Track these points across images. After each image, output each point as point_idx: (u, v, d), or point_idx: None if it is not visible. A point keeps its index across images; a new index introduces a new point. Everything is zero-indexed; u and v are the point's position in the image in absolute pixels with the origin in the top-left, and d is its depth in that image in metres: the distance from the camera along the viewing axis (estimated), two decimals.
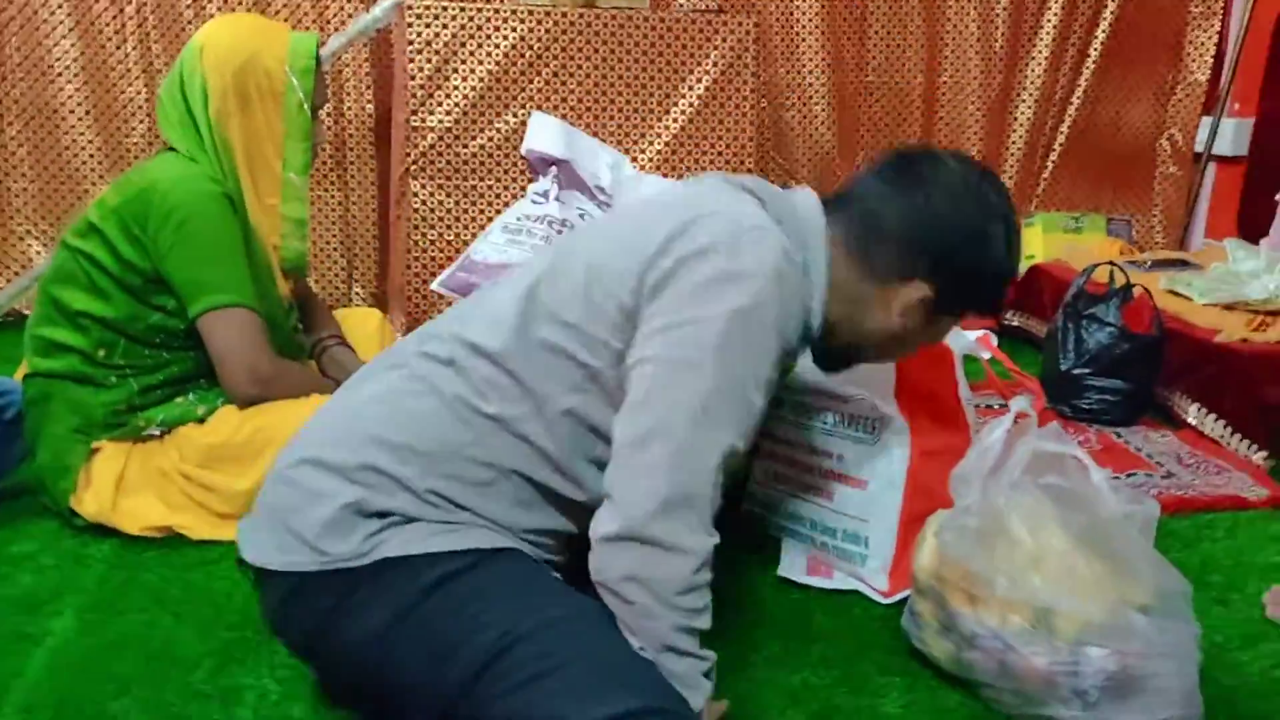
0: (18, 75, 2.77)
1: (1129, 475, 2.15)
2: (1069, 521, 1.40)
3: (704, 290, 1.13)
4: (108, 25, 2.79)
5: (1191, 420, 2.38)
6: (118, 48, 2.80)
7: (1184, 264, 3.02)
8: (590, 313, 1.17)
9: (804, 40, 3.14)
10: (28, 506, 1.84)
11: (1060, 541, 1.39)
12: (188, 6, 2.81)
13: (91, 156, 2.85)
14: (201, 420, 1.74)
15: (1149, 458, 2.25)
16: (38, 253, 2.84)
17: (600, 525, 1.12)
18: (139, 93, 2.81)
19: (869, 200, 1.31)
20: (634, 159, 2.67)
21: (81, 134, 2.83)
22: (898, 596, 1.66)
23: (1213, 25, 3.34)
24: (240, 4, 2.83)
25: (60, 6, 2.76)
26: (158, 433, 1.75)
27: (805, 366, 1.84)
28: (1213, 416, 2.32)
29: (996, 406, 2.29)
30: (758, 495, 1.93)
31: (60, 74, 2.79)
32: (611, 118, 2.66)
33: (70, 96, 2.80)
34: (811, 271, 1.26)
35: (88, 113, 2.82)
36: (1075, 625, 1.35)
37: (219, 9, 2.82)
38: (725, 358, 1.12)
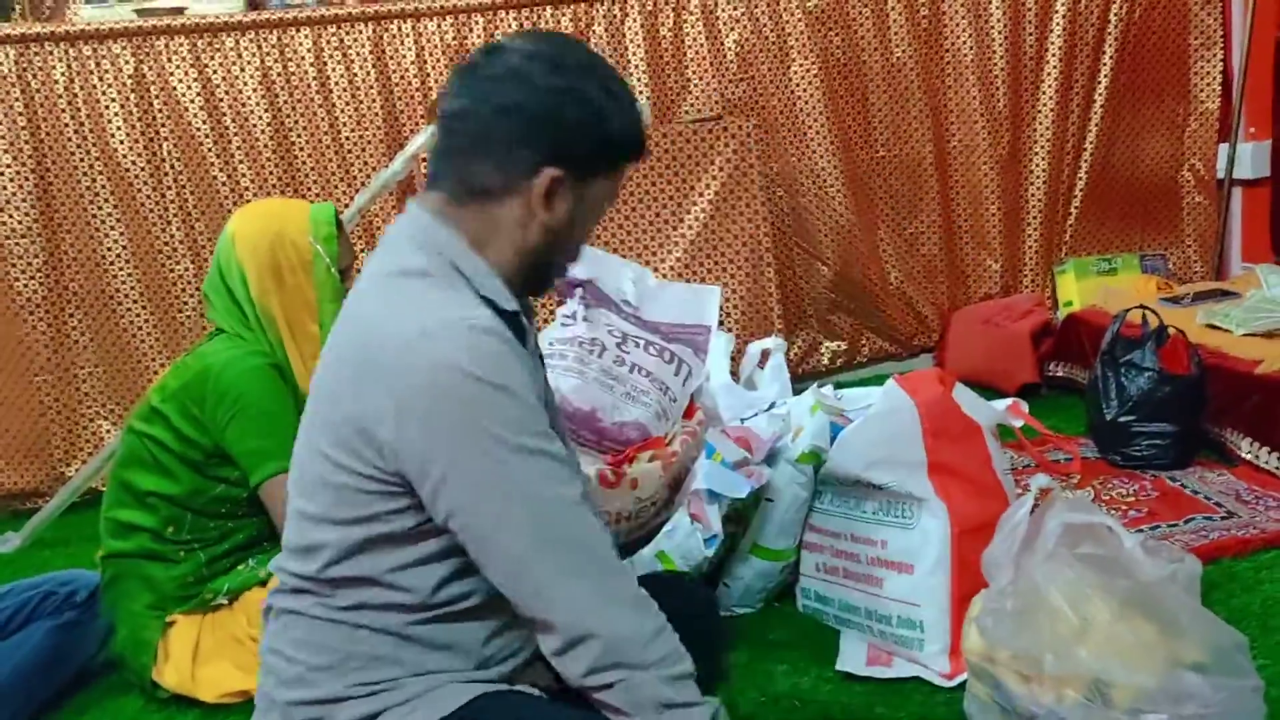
0: (75, 268, 2.95)
1: (1187, 521, 2.13)
2: (1111, 588, 1.41)
3: (435, 433, 1.09)
4: (152, 211, 2.96)
5: (1246, 455, 2.35)
6: (163, 231, 2.98)
7: (1223, 294, 3.00)
8: (344, 499, 1.16)
9: (810, 128, 3.23)
10: (114, 684, 1.93)
11: (1104, 610, 1.39)
12: (223, 184, 2.99)
13: (149, 335, 3.00)
14: (264, 583, 1.82)
15: (1207, 499, 2.23)
16: (108, 432, 2.98)
17: (544, 646, 1.15)
18: (187, 269, 2.98)
19: (450, 139, 1.20)
20: (655, 269, 2.75)
21: (138, 315, 3.00)
22: (960, 678, 1.65)
23: (1215, 54, 3.37)
24: (271, 174, 3.00)
25: (108, 200, 2.94)
26: (226, 601, 1.83)
27: (840, 458, 1.87)
28: (1266, 449, 2.29)
29: (1055, 462, 2.28)
30: (811, 589, 1.95)
31: (113, 261, 2.97)
32: (629, 233, 2.75)
33: (124, 282, 2.97)
34: (473, 274, 1.18)
35: (141, 294, 2.99)
36: (1129, 693, 1.35)
37: (252, 182, 2.99)
38: (500, 466, 1.10)
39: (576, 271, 2.61)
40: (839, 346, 3.39)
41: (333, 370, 1.19)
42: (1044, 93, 3.34)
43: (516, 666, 1.24)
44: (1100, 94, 3.37)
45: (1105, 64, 3.34)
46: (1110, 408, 2.47)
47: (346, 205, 2.86)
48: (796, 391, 2.22)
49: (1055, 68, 3.31)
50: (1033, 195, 3.41)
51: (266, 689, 1.24)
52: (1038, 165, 3.38)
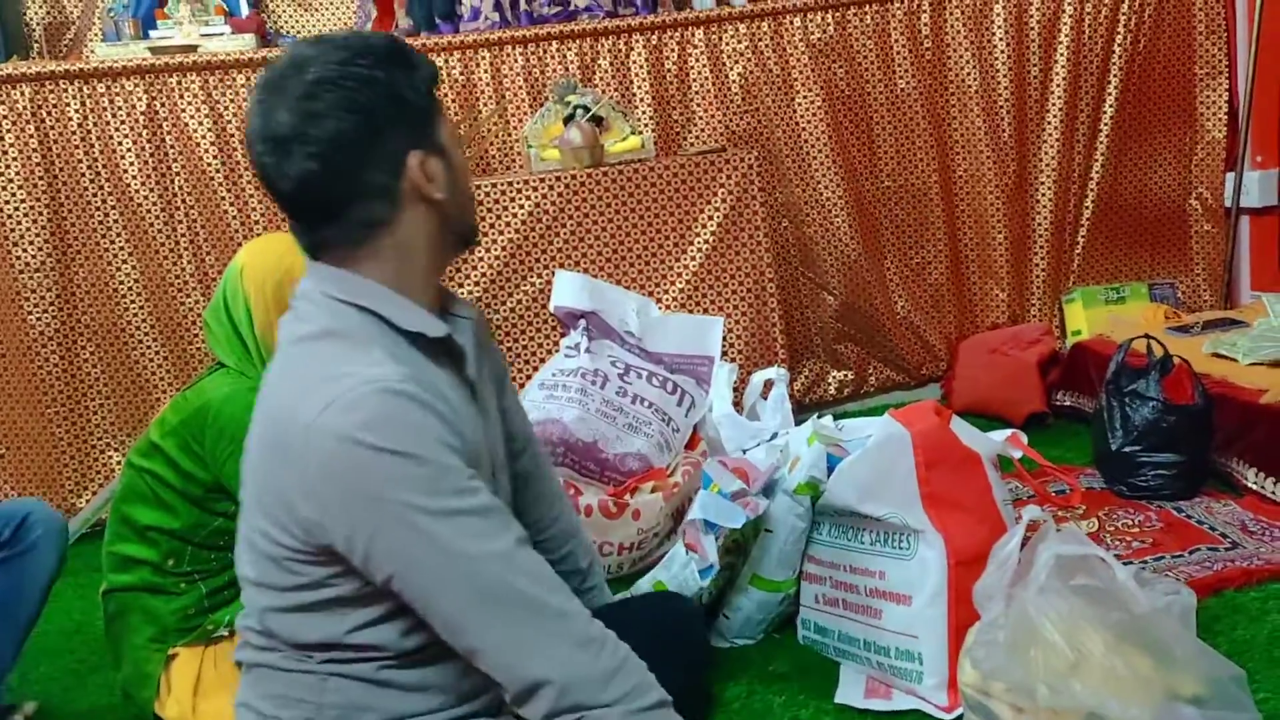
0: (87, 301, 2.99)
1: (1192, 551, 2.12)
2: (1105, 621, 1.40)
3: (351, 508, 1.09)
4: (163, 245, 3.00)
5: (1252, 485, 2.33)
6: (174, 264, 3.01)
7: (1232, 323, 2.98)
8: (286, 569, 1.16)
9: (814, 158, 3.24)
10: (118, 717, 1.93)
11: (1098, 642, 1.39)
12: (234, 218, 3.03)
13: (160, 367, 3.04)
14: None
15: (1212, 530, 2.21)
16: (118, 464, 3.00)
17: (505, 695, 1.15)
18: (198, 302, 3.01)
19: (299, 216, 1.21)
20: (659, 300, 2.77)
21: (149, 348, 3.03)
22: (959, 711, 1.64)
23: (1220, 83, 3.37)
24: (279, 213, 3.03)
25: (120, 234, 2.98)
26: (227, 633, 1.83)
27: (836, 490, 1.87)
28: (1272, 479, 2.27)
29: (1054, 493, 2.26)
30: (810, 621, 1.95)
31: (125, 295, 3.00)
32: (632, 264, 2.76)
33: (135, 314, 3.01)
34: (390, 314, 1.19)
35: (153, 327, 3.02)
36: None
37: (262, 215, 3.03)
38: (421, 534, 1.09)
39: (581, 304, 2.64)
40: (846, 376, 3.39)
41: (256, 446, 1.20)
42: (1049, 122, 3.35)
43: (502, 698, 1.23)
44: (1106, 123, 3.37)
45: (1110, 93, 3.35)
46: (1115, 438, 2.46)
47: None
48: (801, 422, 2.22)
49: (1060, 97, 3.32)
50: (1039, 224, 3.41)
51: None
52: (1044, 194, 3.38)
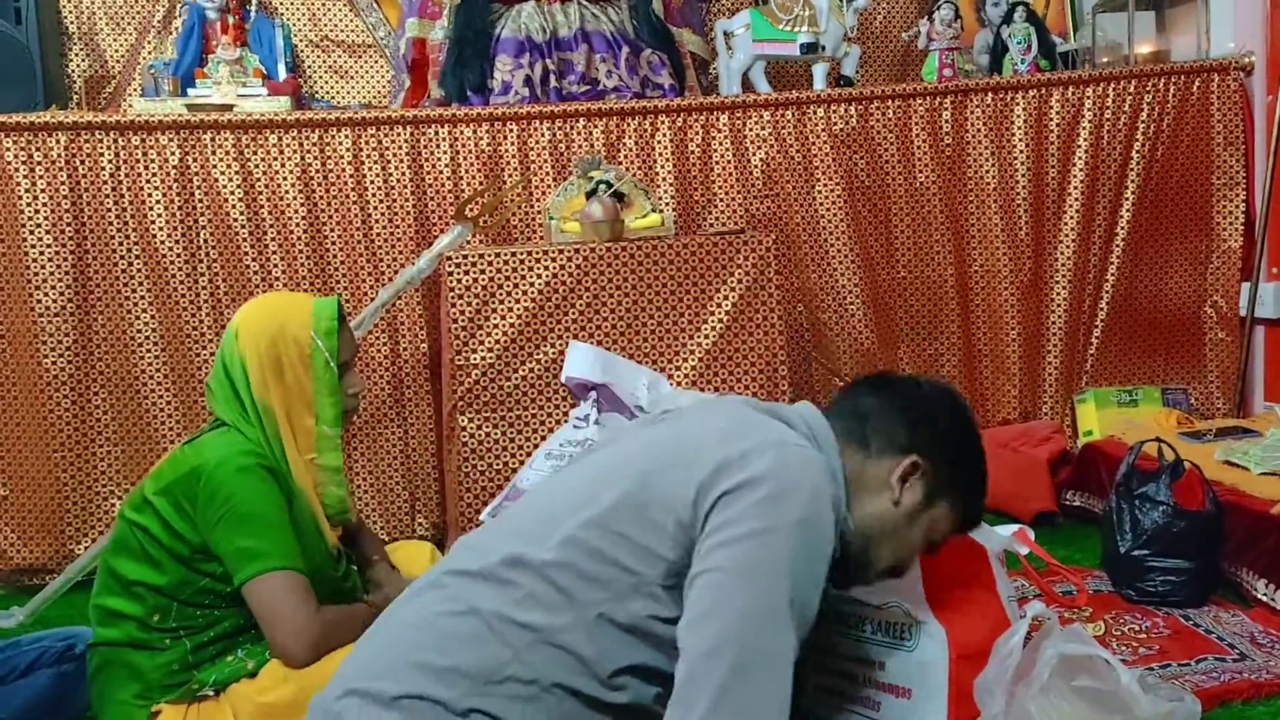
0: (104, 349, 3.01)
1: (1199, 661, 2.07)
2: None
3: (765, 506, 1.21)
4: (184, 296, 3.04)
5: (1262, 597, 2.29)
6: (193, 315, 3.04)
7: (1244, 431, 2.97)
8: (644, 525, 1.24)
9: (832, 245, 3.28)
10: None
11: None
12: (255, 273, 3.06)
13: (170, 416, 3.04)
14: (252, 674, 1.79)
15: (1220, 640, 2.17)
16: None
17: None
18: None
19: (859, 401, 1.52)
20: (670, 376, 2.77)
21: (160, 396, 3.04)
22: None
23: (1237, 195, 3.39)
24: (302, 266, 3.07)
25: (142, 283, 3.02)
26: (212, 693, 1.80)
27: None
28: None
29: (1060, 594, 2.23)
30: (809, 710, 1.91)
31: (141, 344, 3.03)
32: (645, 340, 2.78)
33: (150, 364, 3.03)
34: (835, 474, 1.36)
35: (166, 376, 3.04)
36: None
37: (283, 272, 3.06)
38: (790, 567, 1.19)
39: (592, 375, 2.65)
40: None
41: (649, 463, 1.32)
42: (1066, 224, 3.37)
43: None
44: (1122, 227, 3.40)
45: (1127, 199, 3.38)
46: (1124, 540, 2.43)
47: (372, 300, 2.91)
48: None
49: (1077, 199, 3.36)
50: (1053, 323, 3.42)
51: (403, 654, 1.26)
52: (1059, 293, 3.40)
